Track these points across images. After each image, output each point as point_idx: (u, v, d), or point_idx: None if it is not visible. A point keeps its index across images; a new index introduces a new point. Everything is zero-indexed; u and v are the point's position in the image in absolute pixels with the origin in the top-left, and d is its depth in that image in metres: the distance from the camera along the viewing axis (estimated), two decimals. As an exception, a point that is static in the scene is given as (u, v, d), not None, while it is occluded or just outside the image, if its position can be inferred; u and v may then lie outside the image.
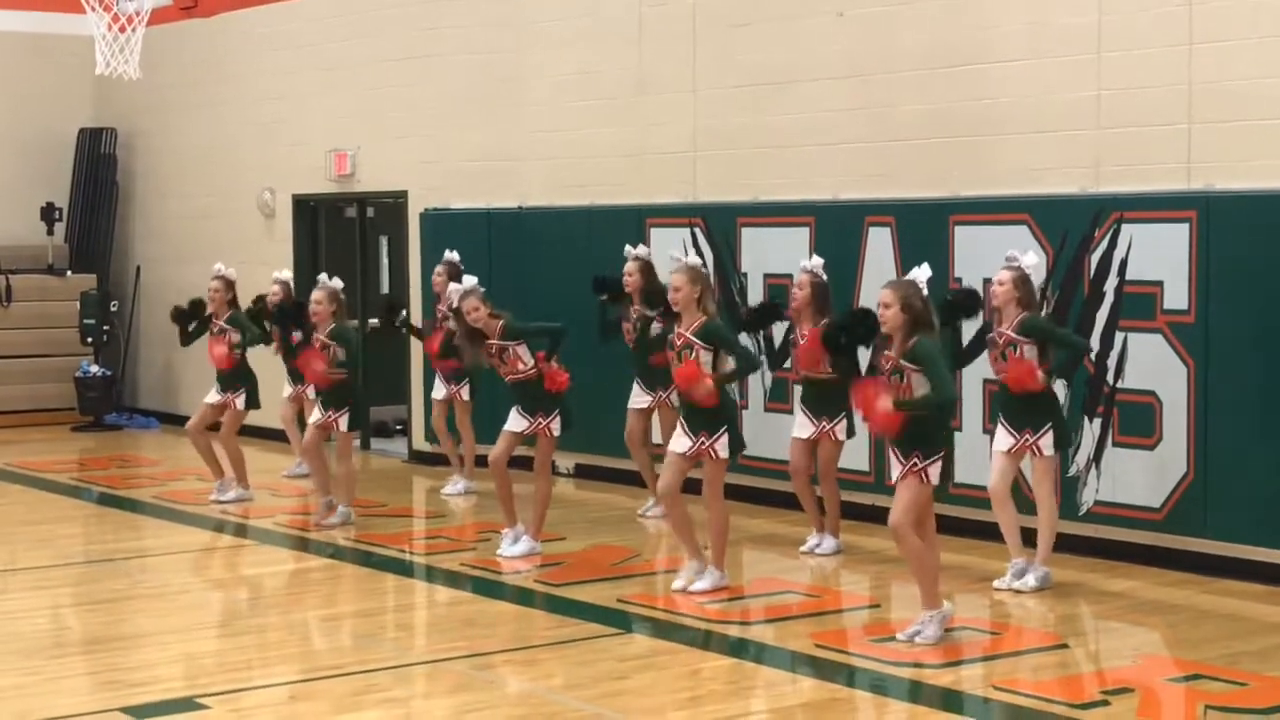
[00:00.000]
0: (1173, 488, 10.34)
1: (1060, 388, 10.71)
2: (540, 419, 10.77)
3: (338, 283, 12.13)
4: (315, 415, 12.10)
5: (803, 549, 10.99)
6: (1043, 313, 10.76)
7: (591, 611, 9.47)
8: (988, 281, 9.90)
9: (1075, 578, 10.21)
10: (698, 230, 13.12)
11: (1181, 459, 10.28)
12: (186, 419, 16.40)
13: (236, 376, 13.01)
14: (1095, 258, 10.66)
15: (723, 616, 9.36)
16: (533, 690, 7.99)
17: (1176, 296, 10.26)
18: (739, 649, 8.76)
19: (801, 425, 10.86)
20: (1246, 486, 10.03)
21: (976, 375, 10.80)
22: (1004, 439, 9.81)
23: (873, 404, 8.51)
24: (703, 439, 9.60)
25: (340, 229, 16.94)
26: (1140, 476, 10.47)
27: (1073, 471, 10.78)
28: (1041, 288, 10.83)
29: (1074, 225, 10.76)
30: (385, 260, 17.13)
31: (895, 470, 8.64)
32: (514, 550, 10.90)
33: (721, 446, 9.61)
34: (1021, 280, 9.73)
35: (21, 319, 18.49)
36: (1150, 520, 10.47)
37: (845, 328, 9.13)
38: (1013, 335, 9.68)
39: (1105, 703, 7.65)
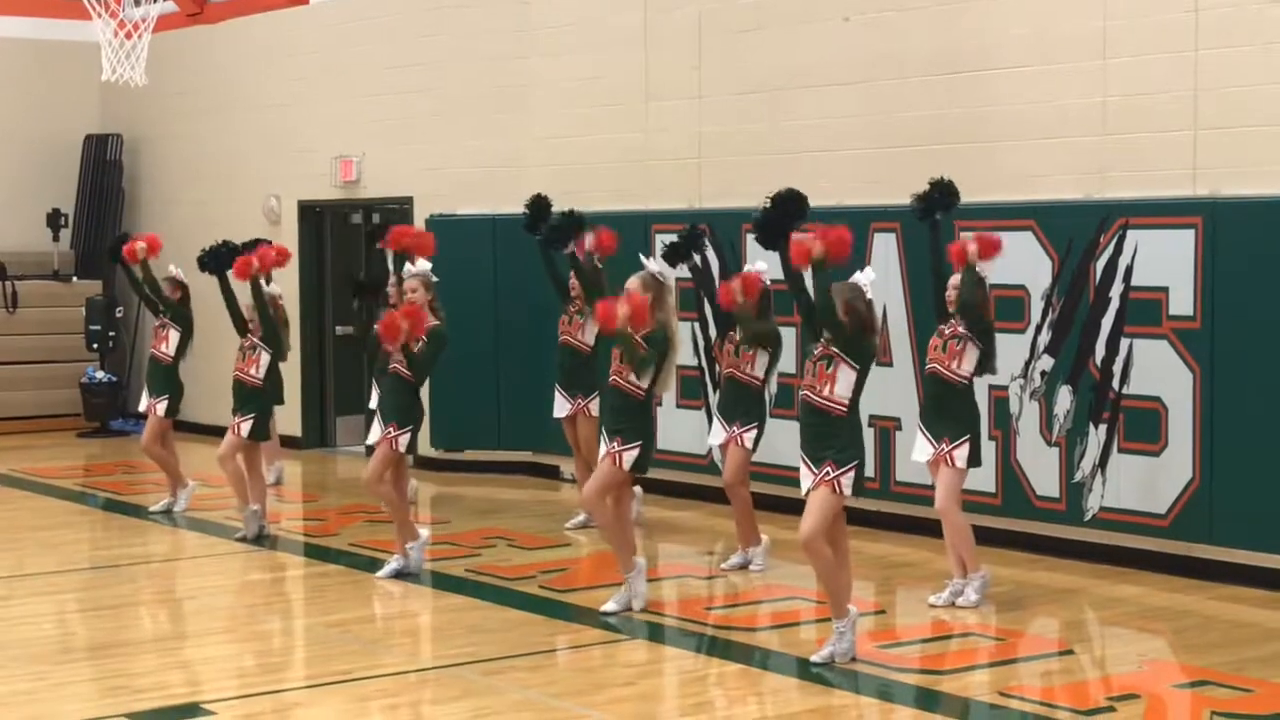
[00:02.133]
0: (1178, 494, 10.33)
1: (1067, 394, 10.73)
2: (392, 429, 10.50)
3: (276, 289, 12.09)
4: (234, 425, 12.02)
5: (723, 565, 10.77)
6: (1047, 320, 10.79)
7: (597, 617, 9.47)
8: (993, 286, 9.86)
9: (1081, 584, 10.22)
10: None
11: (1187, 465, 10.28)
12: (191, 425, 16.44)
13: (163, 382, 13.02)
14: (1101, 264, 10.66)
15: (728, 622, 9.36)
16: (537, 697, 7.99)
17: (1182, 302, 10.26)
18: (745, 655, 8.75)
19: (717, 434, 10.77)
20: (1253, 492, 10.03)
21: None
22: (923, 448, 9.67)
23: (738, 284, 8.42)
24: (615, 445, 9.43)
25: (346, 235, 16.96)
26: (1146, 483, 10.47)
27: (1079, 478, 10.78)
28: (1047, 293, 10.85)
29: (1079, 231, 10.76)
30: (391, 266, 17.10)
31: (806, 480, 8.38)
32: (387, 570, 10.67)
33: (629, 458, 9.37)
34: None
35: (27, 325, 18.51)
36: (1156, 526, 10.46)
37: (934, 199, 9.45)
38: (961, 331, 9.54)
39: (1111, 709, 7.65)
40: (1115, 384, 10.60)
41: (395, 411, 10.52)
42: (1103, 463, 10.68)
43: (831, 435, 8.31)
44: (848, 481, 8.29)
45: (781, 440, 11.26)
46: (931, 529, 10.33)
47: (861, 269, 8.70)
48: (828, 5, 12.38)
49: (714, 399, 12.27)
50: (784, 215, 8.64)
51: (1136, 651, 8.83)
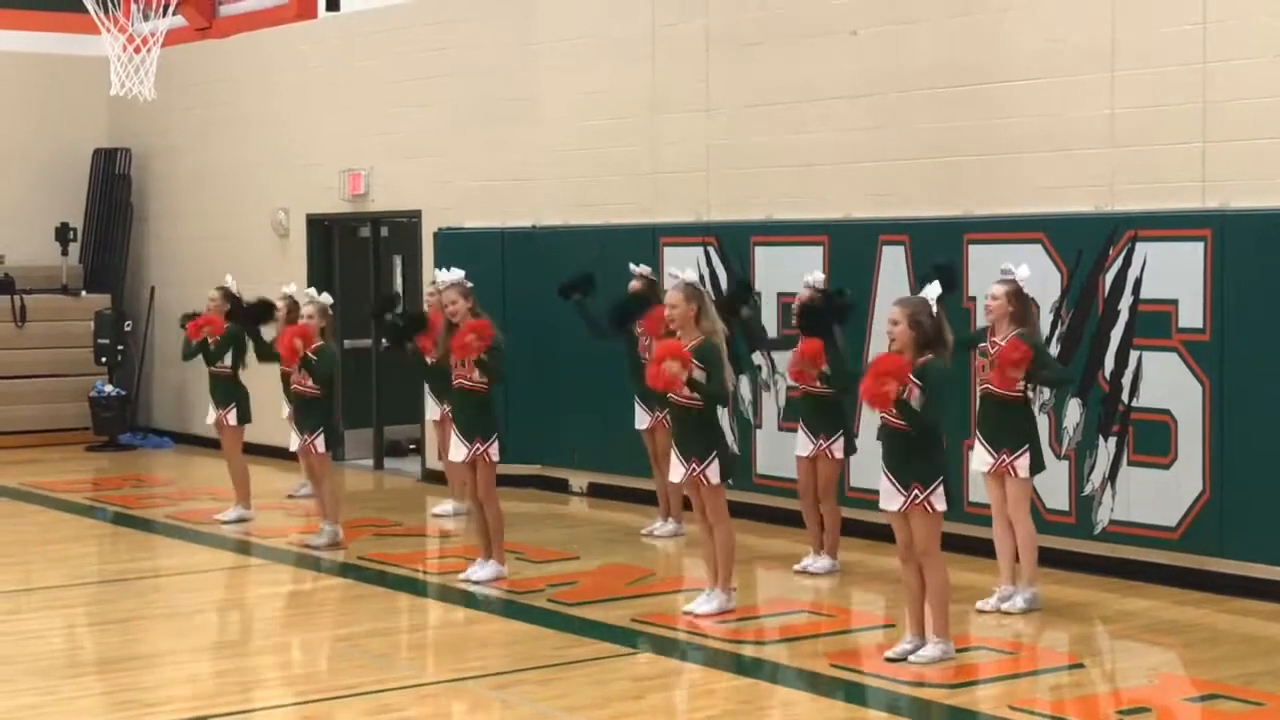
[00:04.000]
0: (1188, 507, 10.31)
1: (1076, 407, 10.71)
2: (478, 444, 10.59)
3: (327, 298, 12.10)
4: (294, 441, 12.08)
5: (796, 567, 10.99)
6: (1056, 332, 10.78)
7: (606, 631, 9.46)
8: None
9: (1091, 597, 10.19)
10: (711, 249, 13.13)
11: (1197, 478, 10.25)
12: (200, 439, 16.46)
13: (228, 392, 13.04)
14: (1110, 276, 10.64)
15: (737, 636, 9.35)
16: (547, 710, 7.98)
17: (1191, 315, 10.24)
18: (754, 669, 8.74)
19: (802, 444, 10.89)
20: (1263, 505, 10.00)
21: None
22: (983, 458, 9.72)
23: (882, 377, 8.34)
24: (693, 465, 9.55)
25: (354, 249, 16.97)
26: (1155, 496, 10.44)
27: (1088, 490, 10.76)
28: (1056, 306, 10.84)
29: (1088, 244, 10.74)
30: (399, 280, 17.15)
31: (892, 499, 8.54)
32: (481, 574, 10.76)
33: (712, 473, 9.53)
34: (1015, 294, 9.62)
35: (36, 339, 18.53)
36: (1166, 539, 10.43)
37: (812, 310, 9.13)
38: (1003, 345, 9.60)
39: (1122, 723, 7.65)
40: (1125, 397, 10.57)
41: (474, 427, 10.59)
42: (1112, 475, 10.66)
43: (914, 454, 8.49)
44: (938, 498, 8.47)
45: (791, 452, 11.23)
46: (945, 544, 10.31)
47: (926, 285, 8.71)
48: (835, 18, 12.37)
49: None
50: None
51: (1147, 665, 8.80)
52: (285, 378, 12.64)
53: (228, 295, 13.19)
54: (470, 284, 10.76)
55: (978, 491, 10.61)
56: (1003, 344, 9.58)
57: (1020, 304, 9.64)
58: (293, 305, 13.04)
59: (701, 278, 11.49)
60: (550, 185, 14.68)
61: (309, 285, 16.26)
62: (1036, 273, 10.84)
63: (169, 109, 17.63)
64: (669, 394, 9.53)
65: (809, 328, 10.45)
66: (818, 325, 10.40)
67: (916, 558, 8.61)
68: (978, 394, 9.87)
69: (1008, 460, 9.63)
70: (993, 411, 9.69)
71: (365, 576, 11.20)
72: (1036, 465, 9.70)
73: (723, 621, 9.56)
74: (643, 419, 12.29)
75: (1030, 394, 9.78)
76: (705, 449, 9.54)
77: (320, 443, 11.90)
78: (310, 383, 11.85)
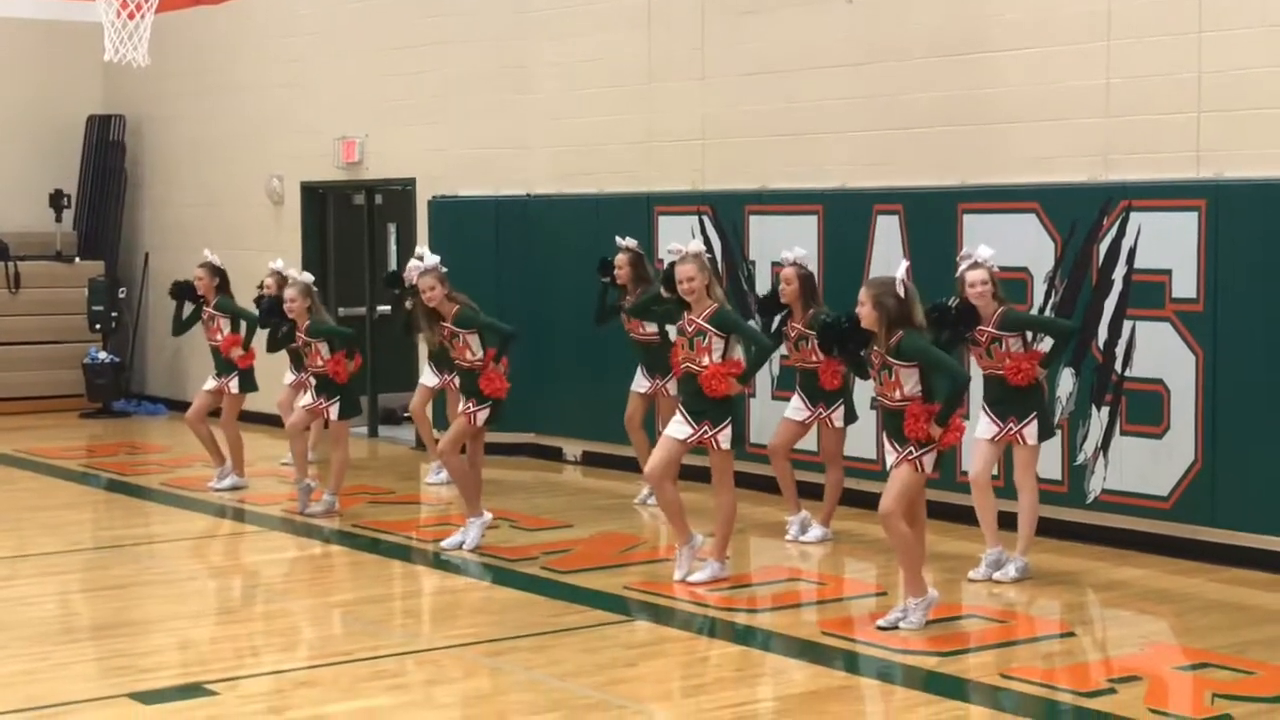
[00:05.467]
0: (1180, 476, 10.33)
1: (1069, 376, 10.73)
2: (471, 405, 10.74)
3: (308, 276, 12.12)
4: (307, 398, 12.13)
5: (787, 538, 11.01)
6: (1050, 302, 10.79)
7: (598, 598, 9.48)
8: (1003, 269, 9.85)
9: (1083, 566, 10.22)
10: (706, 218, 13.12)
11: (1189, 448, 10.27)
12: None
13: (231, 361, 13.03)
14: (1104, 246, 10.65)
15: (729, 604, 9.37)
16: (540, 677, 8.00)
17: (1185, 285, 10.25)
18: (746, 636, 8.77)
19: (796, 409, 10.89)
20: (1255, 475, 10.03)
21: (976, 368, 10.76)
22: (987, 427, 9.76)
23: (923, 432, 8.51)
24: (705, 428, 9.58)
25: (349, 216, 16.95)
26: (1148, 465, 10.47)
27: (1080, 460, 10.78)
28: (1050, 275, 10.85)
29: (1083, 213, 10.74)
30: (393, 248, 17.14)
31: (890, 458, 8.70)
32: (452, 541, 10.95)
33: (725, 438, 9.59)
34: (991, 275, 9.65)
35: (30, 306, 18.51)
36: (1158, 509, 10.46)
37: (837, 339, 9.00)
38: (995, 332, 9.63)
39: (1113, 691, 7.66)
40: (1118, 366, 10.59)
41: (470, 393, 10.76)
42: (1105, 445, 10.68)
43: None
44: (929, 460, 8.57)
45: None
46: (933, 512, 10.33)
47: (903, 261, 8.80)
48: (831, -14, 12.36)
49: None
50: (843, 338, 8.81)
51: (1138, 634, 8.84)
52: (294, 352, 12.61)
53: (213, 269, 13.14)
54: (445, 269, 10.79)
55: (970, 464, 10.64)
56: (991, 329, 9.57)
57: (996, 284, 9.66)
58: (281, 280, 13.01)
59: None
60: (545, 154, 14.66)
61: (303, 253, 16.35)
62: (1031, 243, 10.89)
63: (163, 75, 17.59)
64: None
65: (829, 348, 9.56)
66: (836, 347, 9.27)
67: (905, 512, 8.64)
68: (981, 374, 9.83)
69: (1015, 428, 9.67)
70: (999, 388, 9.72)
71: (359, 544, 11.22)
72: (1045, 432, 9.75)
73: (715, 589, 9.59)
74: (643, 383, 12.28)
75: (1042, 380, 9.80)
76: (722, 414, 9.58)
77: (334, 410, 11.90)
78: (318, 363, 11.84)
